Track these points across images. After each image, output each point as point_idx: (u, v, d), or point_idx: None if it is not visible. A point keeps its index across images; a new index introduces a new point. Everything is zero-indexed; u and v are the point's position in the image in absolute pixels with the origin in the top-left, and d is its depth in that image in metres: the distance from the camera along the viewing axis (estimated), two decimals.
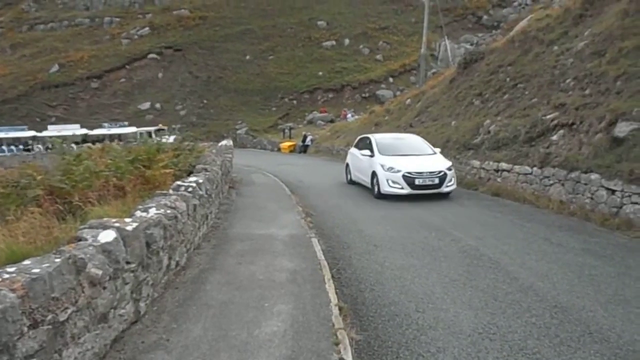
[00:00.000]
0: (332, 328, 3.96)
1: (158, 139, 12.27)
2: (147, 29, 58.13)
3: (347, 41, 54.22)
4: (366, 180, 12.04)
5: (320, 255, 6.16)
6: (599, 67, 10.90)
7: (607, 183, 8.18)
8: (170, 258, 4.87)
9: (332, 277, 5.36)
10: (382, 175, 10.89)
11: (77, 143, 18.47)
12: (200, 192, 6.45)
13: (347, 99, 47.28)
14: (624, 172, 7.81)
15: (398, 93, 41.64)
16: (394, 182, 10.68)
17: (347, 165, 14.32)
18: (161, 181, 7.39)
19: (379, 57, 51.86)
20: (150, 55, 54.50)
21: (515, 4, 51.46)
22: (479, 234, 7.42)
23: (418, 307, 4.56)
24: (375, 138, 12.73)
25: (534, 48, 15.11)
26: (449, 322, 4.22)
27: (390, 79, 48.11)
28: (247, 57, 53.75)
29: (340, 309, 4.38)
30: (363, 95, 47.26)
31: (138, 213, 4.46)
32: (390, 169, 10.82)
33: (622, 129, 8.57)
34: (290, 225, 8.00)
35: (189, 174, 8.24)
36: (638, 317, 4.24)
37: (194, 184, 6.31)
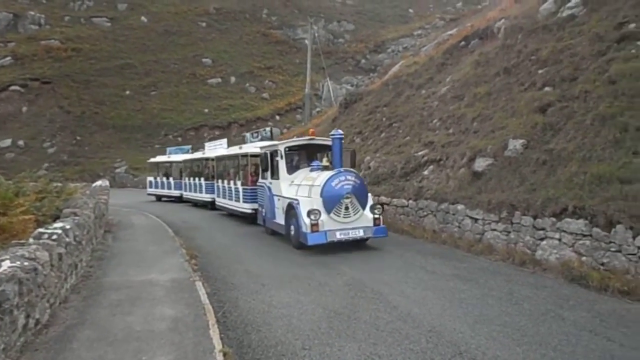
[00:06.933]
0: None
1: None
2: (9, 58, 52.58)
3: (233, 79, 54.42)
4: None
5: (204, 299, 5.89)
6: (459, 109, 12.28)
7: (470, 212, 9.09)
8: (28, 316, 4.29)
9: (217, 321, 5.14)
10: None
11: None
12: (67, 239, 5.85)
13: (234, 135, 46.97)
14: (484, 202, 8.76)
15: (285, 130, 42.53)
16: None
17: None
18: (20, 229, 6.55)
19: (265, 95, 52.72)
20: (13, 87, 49.13)
21: (389, 50, 56.24)
22: (363, 266, 7.72)
23: (304, 344, 4.55)
24: None
25: (405, 91, 16.61)
26: (334, 356, 4.26)
27: (277, 117, 49.03)
28: (127, 92, 51.11)
29: (224, 354, 4.20)
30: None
31: None
32: None
33: (480, 164, 9.68)
34: (173, 269, 7.57)
35: (55, 219, 7.45)
36: (499, 334, 4.69)
37: (59, 231, 5.70)
